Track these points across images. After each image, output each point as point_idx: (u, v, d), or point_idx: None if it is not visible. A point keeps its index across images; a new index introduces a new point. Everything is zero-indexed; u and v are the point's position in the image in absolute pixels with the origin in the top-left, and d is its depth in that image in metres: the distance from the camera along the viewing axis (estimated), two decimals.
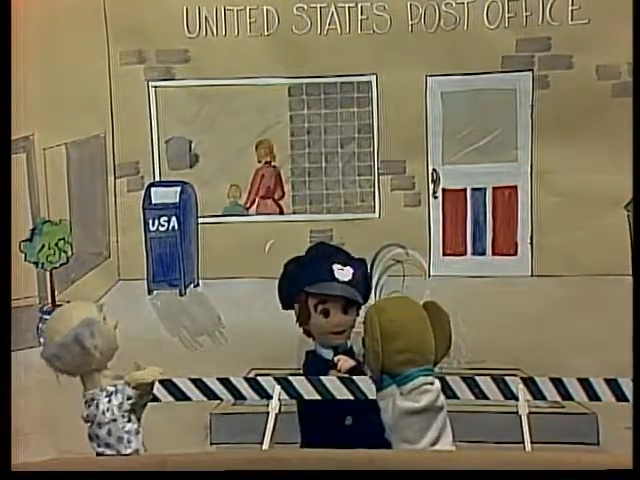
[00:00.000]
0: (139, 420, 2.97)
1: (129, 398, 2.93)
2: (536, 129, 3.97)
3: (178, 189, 4.13)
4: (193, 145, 4.12)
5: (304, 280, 3.42)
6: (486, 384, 3.32)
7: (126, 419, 2.92)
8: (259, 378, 3.42)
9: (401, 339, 2.78)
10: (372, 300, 3.76)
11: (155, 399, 3.36)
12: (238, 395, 3.40)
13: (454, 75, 3.98)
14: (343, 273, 3.39)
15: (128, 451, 2.92)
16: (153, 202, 4.13)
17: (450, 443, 2.85)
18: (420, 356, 2.80)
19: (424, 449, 2.77)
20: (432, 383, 2.81)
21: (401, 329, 2.80)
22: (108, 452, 2.91)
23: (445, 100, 4.01)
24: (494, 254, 4.09)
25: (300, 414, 3.49)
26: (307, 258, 3.53)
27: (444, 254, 4.09)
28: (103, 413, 2.90)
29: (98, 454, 2.94)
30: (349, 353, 3.46)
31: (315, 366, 3.45)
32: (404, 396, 2.77)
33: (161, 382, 3.35)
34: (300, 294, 3.43)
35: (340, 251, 3.56)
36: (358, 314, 3.50)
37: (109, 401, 2.92)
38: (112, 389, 2.93)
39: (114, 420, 2.91)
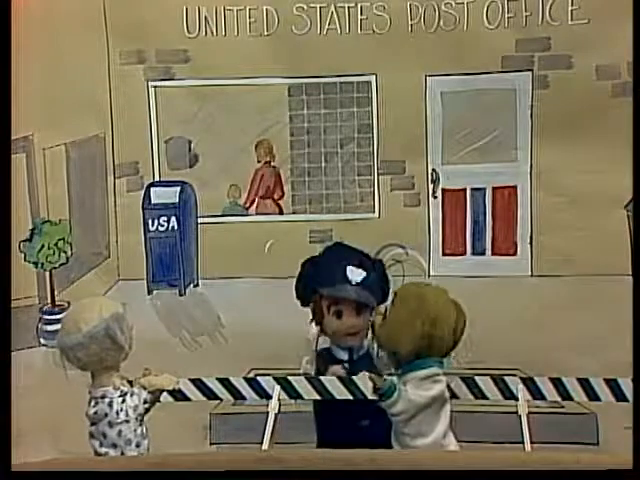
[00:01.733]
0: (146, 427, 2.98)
1: (145, 402, 2.94)
2: (536, 129, 3.97)
3: (178, 189, 4.13)
4: (193, 145, 4.12)
5: (318, 281, 3.43)
6: (486, 384, 3.32)
7: (138, 422, 2.93)
8: (259, 378, 3.42)
9: (430, 326, 2.83)
10: None
11: None
12: (238, 395, 3.40)
13: (454, 75, 3.98)
14: (356, 275, 3.40)
15: (133, 454, 2.92)
16: (153, 202, 4.13)
17: (454, 439, 2.89)
18: (440, 346, 2.85)
19: (436, 441, 2.80)
20: (439, 374, 2.86)
21: (431, 315, 2.85)
22: (112, 453, 2.90)
23: (445, 100, 4.01)
24: (494, 254, 4.09)
25: (316, 415, 3.50)
26: (323, 258, 3.53)
27: (444, 254, 4.09)
28: (117, 413, 2.90)
29: (97, 454, 2.93)
30: (366, 356, 3.49)
31: (330, 365, 3.46)
32: (414, 384, 2.81)
33: None
34: (314, 294, 3.45)
35: (356, 252, 3.57)
36: (372, 315, 3.51)
37: (123, 401, 2.91)
38: (126, 389, 2.93)
39: (127, 421, 2.90)
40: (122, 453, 2.90)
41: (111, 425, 2.89)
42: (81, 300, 3.30)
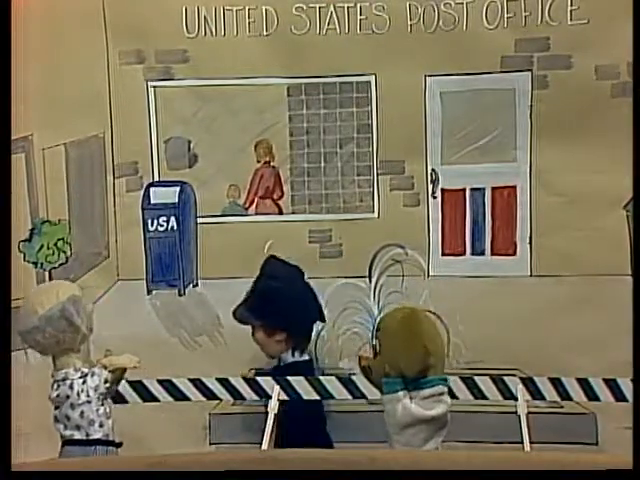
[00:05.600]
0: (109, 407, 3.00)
1: (106, 381, 2.96)
2: (535, 129, 3.96)
3: (177, 189, 4.12)
4: (192, 145, 4.12)
5: None
6: (485, 384, 3.34)
7: (100, 402, 2.95)
8: (258, 378, 3.43)
9: (430, 343, 2.82)
10: (372, 301, 3.79)
11: (155, 399, 3.37)
12: (237, 395, 3.41)
13: (453, 75, 3.98)
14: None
15: (98, 435, 2.94)
16: (152, 202, 4.13)
17: None
18: (440, 362, 2.84)
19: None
20: (444, 393, 2.85)
21: (428, 332, 2.84)
22: (77, 435, 2.92)
23: (444, 100, 4.01)
24: (493, 254, 4.08)
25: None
26: None
27: (443, 254, 4.09)
28: (78, 394, 2.92)
29: (65, 437, 2.95)
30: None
31: None
32: (417, 402, 2.80)
33: (160, 382, 3.36)
34: None
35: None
36: (271, 335, 3.60)
37: (84, 382, 2.93)
38: (86, 370, 2.95)
39: (89, 402, 2.93)
40: (87, 434, 2.92)
41: (73, 407, 2.92)
42: (39, 285, 3.32)
